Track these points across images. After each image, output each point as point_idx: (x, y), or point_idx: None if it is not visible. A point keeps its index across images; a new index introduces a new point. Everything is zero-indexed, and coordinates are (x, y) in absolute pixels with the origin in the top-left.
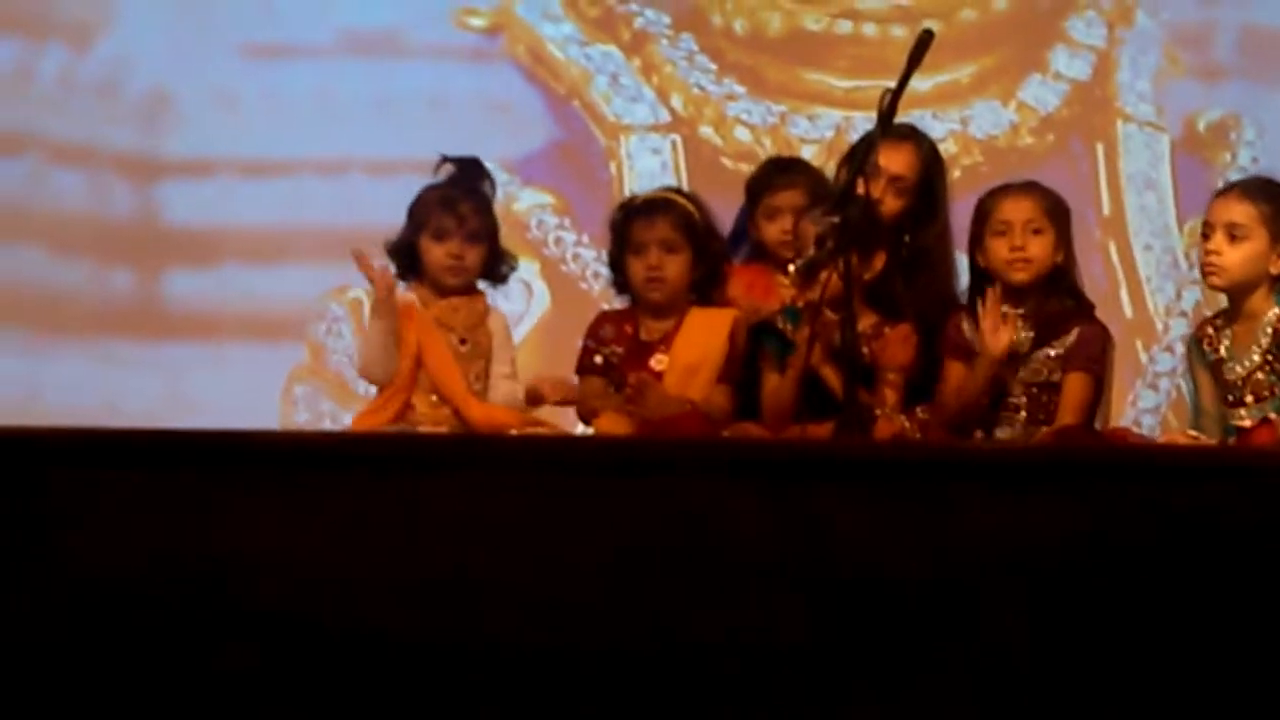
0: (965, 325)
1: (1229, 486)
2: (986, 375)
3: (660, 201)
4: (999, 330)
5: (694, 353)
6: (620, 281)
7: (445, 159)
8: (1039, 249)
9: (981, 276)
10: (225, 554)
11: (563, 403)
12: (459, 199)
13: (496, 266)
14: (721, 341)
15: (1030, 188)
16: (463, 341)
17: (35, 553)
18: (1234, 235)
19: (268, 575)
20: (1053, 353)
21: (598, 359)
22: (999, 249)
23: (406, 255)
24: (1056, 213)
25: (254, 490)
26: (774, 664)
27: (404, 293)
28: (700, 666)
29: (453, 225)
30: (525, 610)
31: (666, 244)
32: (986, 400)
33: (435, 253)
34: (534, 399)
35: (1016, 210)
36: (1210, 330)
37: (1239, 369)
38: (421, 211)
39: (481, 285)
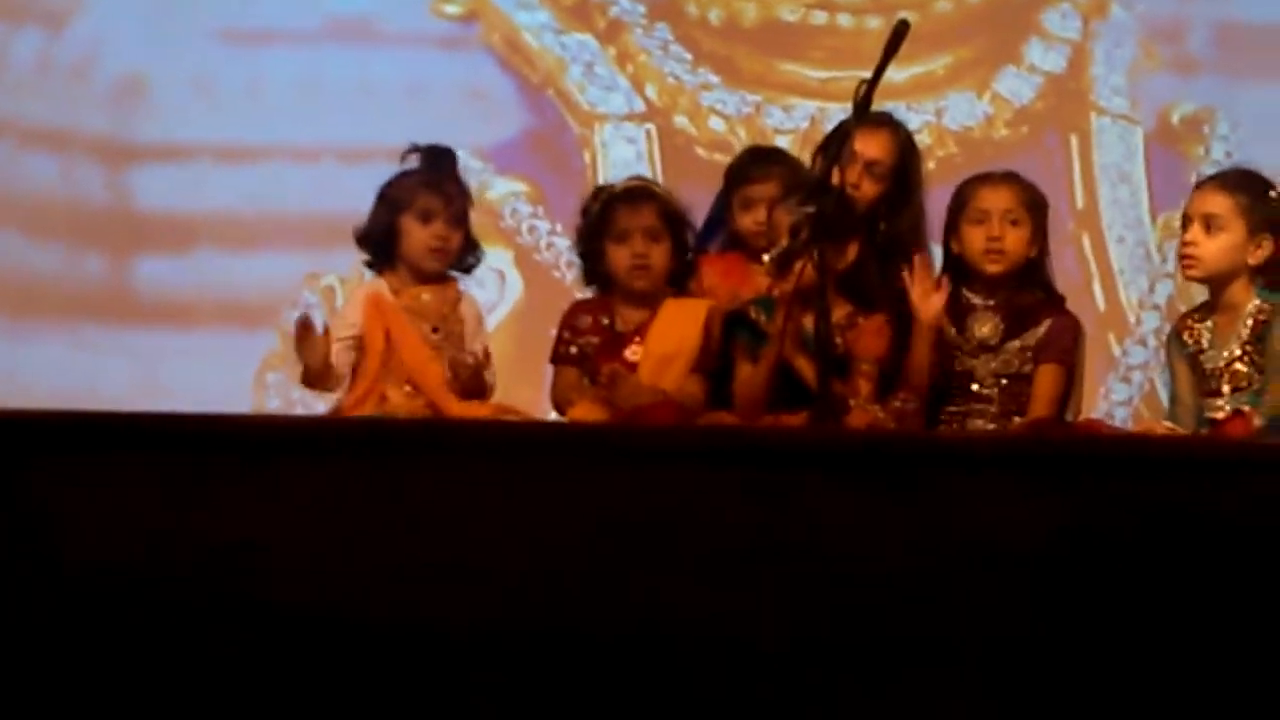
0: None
1: (1204, 477)
2: (927, 342)
3: (643, 190)
4: (929, 296)
5: (669, 343)
6: (592, 271)
7: (415, 147)
8: (1015, 240)
9: (955, 264)
10: (205, 538)
11: None
12: (444, 180)
13: (466, 255)
14: (697, 331)
15: (1010, 178)
16: (435, 330)
17: (12, 538)
18: (1211, 226)
19: (248, 560)
20: (1024, 344)
21: (572, 349)
22: (975, 238)
23: (382, 240)
24: (1034, 205)
25: (234, 474)
26: (749, 652)
27: (371, 281)
28: (675, 654)
29: (439, 206)
30: (504, 596)
31: (651, 232)
32: (938, 370)
33: (419, 235)
34: None
35: (995, 199)
36: (1191, 322)
37: (1219, 359)
38: (403, 194)
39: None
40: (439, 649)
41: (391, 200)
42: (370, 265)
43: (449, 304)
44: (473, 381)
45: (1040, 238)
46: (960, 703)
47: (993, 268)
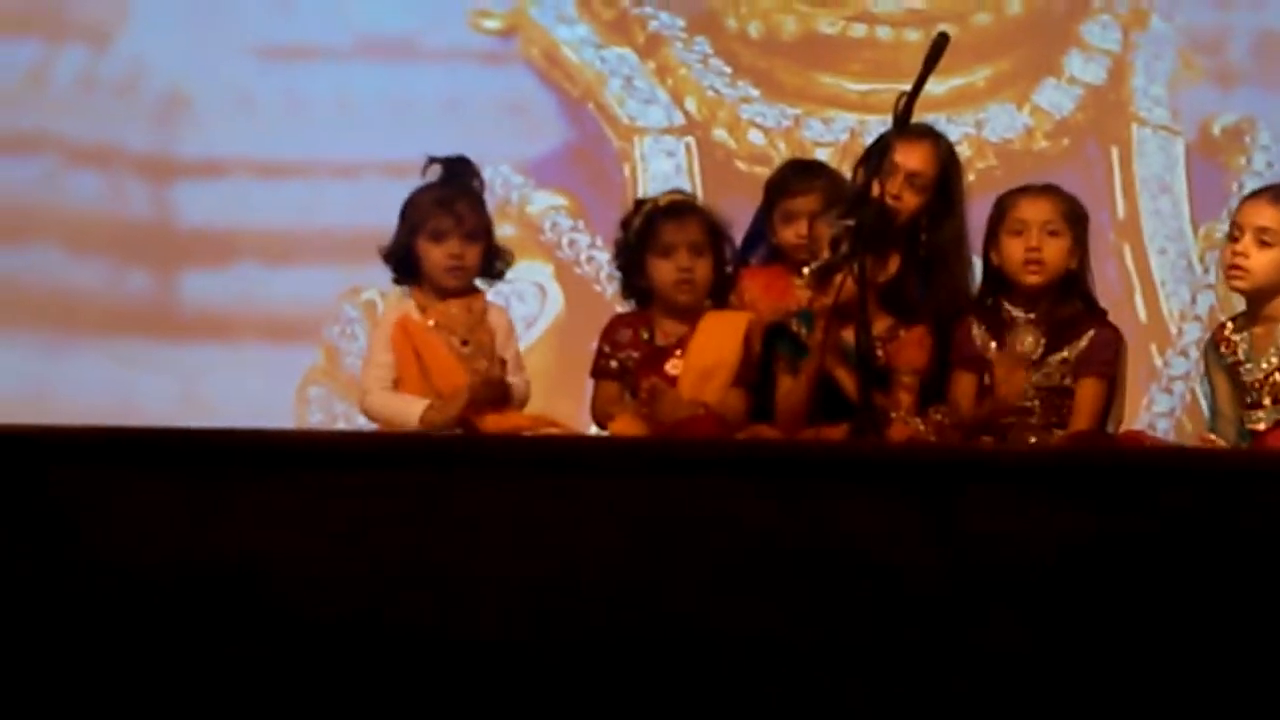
0: (975, 332)
1: (1243, 490)
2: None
3: (687, 204)
4: (1012, 377)
5: (709, 356)
6: (632, 284)
7: (433, 160)
8: (1054, 252)
9: (995, 276)
10: (239, 552)
11: None
12: (454, 198)
13: (493, 264)
14: (737, 345)
15: (1049, 190)
16: (464, 343)
17: (49, 551)
18: (1263, 240)
19: (281, 573)
20: (1065, 357)
21: (612, 364)
22: (1014, 249)
23: (403, 259)
24: (1074, 217)
25: (267, 489)
26: (786, 664)
27: (396, 304)
28: (711, 666)
29: (450, 225)
30: (537, 609)
31: (695, 247)
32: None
33: (434, 254)
34: None
35: (1034, 211)
36: (1227, 333)
37: (1257, 371)
38: (416, 213)
39: (480, 283)
40: (476, 661)
41: (408, 220)
42: (397, 281)
43: (476, 315)
44: (488, 392)
45: (1080, 250)
46: (993, 715)
47: (1032, 279)
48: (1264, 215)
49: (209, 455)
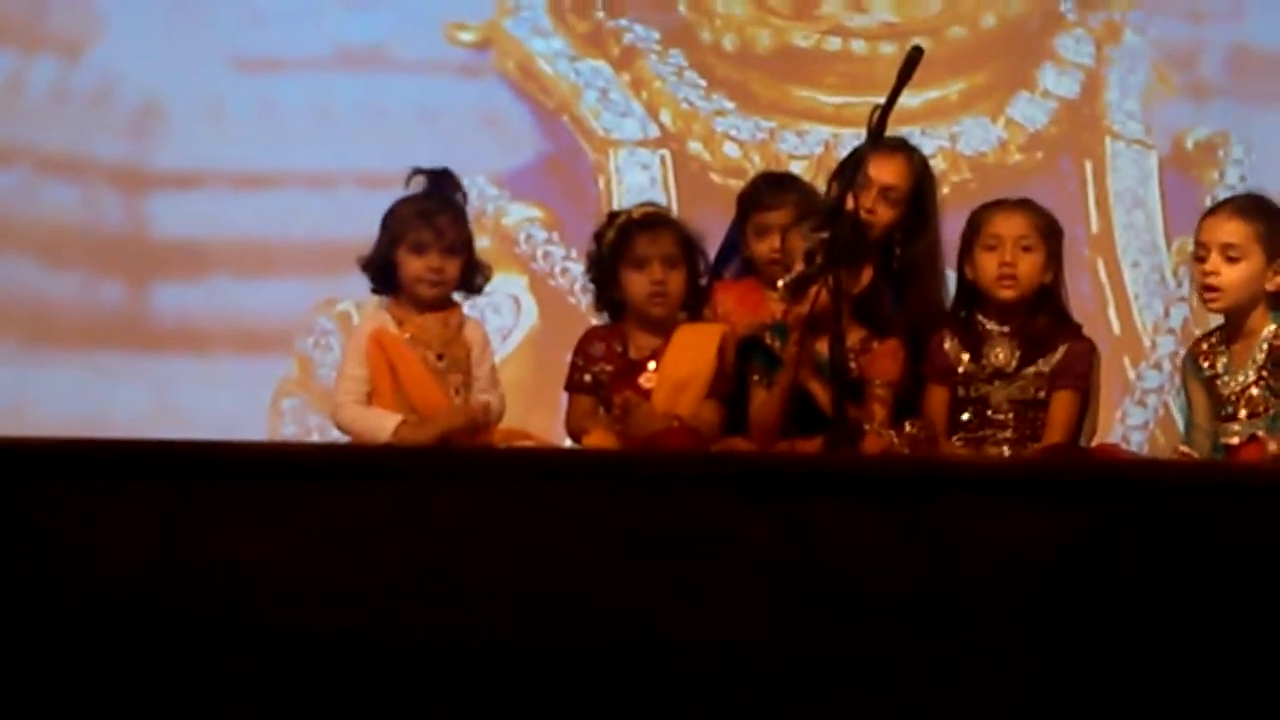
0: (949, 346)
1: (1217, 502)
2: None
3: (660, 217)
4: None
5: (683, 369)
6: (606, 297)
7: (416, 171)
8: (1028, 267)
9: (969, 290)
10: (217, 565)
11: None
12: (436, 211)
13: (473, 278)
14: (710, 357)
15: (1023, 205)
16: (440, 357)
17: (24, 564)
18: (1230, 256)
19: (260, 586)
20: (1039, 370)
21: (586, 377)
22: (988, 264)
23: (382, 270)
24: (1048, 232)
25: (246, 501)
26: (762, 676)
27: (371, 315)
28: (686, 678)
29: (430, 238)
30: (515, 620)
31: (669, 259)
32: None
33: (414, 266)
34: None
35: (1009, 226)
36: (1206, 346)
37: (1234, 384)
38: (397, 225)
39: (458, 297)
40: (454, 673)
41: (389, 231)
42: (375, 291)
43: (452, 330)
44: (466, 425)
45: (1054, 265)
46: None
47: (1006, 294)
48: (1226, 230)
49: (186, 467)
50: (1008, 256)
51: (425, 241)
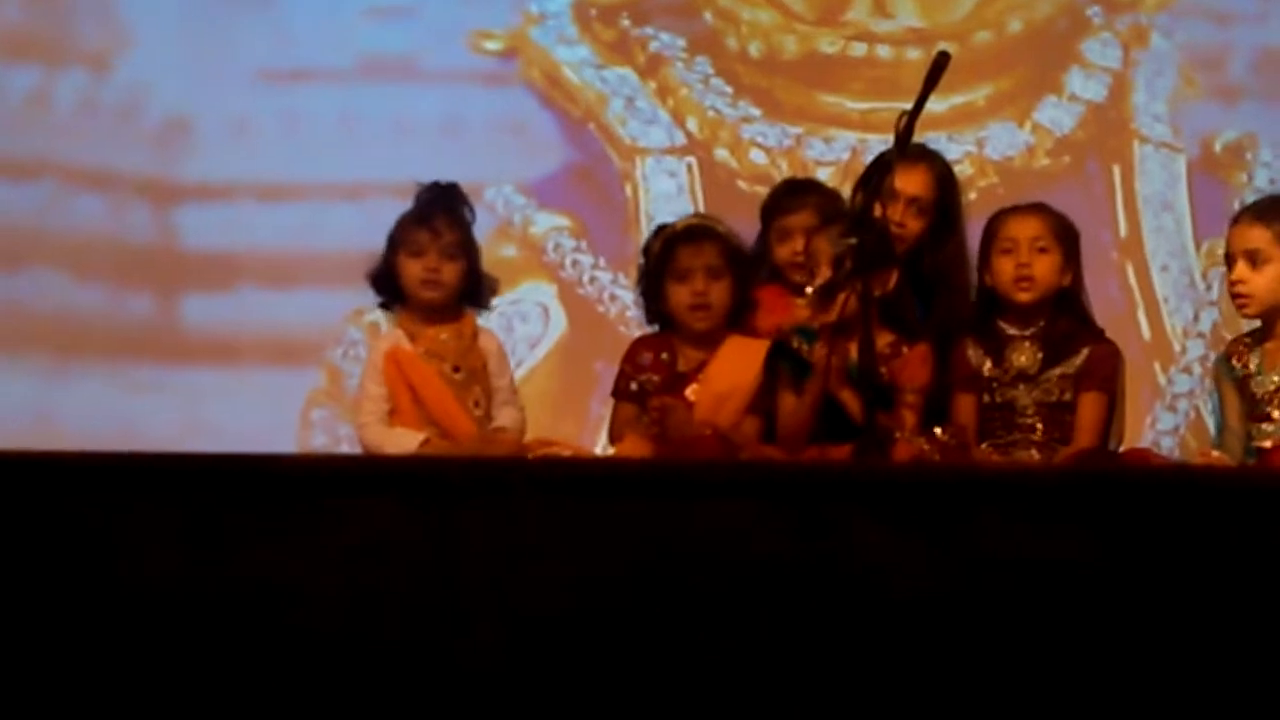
0: (970, 352)
1: (1251, 508)
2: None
3: (704, 228)
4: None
5: (724, 381)
6: (653, 310)
7: (421, 186)
8: (1044, 268)
9: (989, 297)
10: (243, 578)
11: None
12: (431, 215)
13: (478, 289)
14: (754, 372)
15: (1037, 208)
16: (456, 369)
17: (52, 578)
18: (1255, 261)
19: (287, 599)
20: (1064, 372)
21: (632, 385)
22: (1005, 267)
23: (386, 280)
24: (1063, 234)
25: (272, 514)
26: (791, 687)
27: (386, 335)
28: (715, 689)
29: (427, 240)
30: (545, 630)
31: (712, 270)
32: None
33: (412, 268)
34: None
35: (1023, 228)
36: (1241, 347)
37: (1268, 383)
38: (396, 231)
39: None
40: (479, 686)
41: (391, 240)
42: (383, 306)
43: (466, 340)
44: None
45: (1072, 266)
46: None
47: (1023, 296)
48: (1249, 236)
49: (211, 481)
50: (1023, 258)
51: (422, 243)
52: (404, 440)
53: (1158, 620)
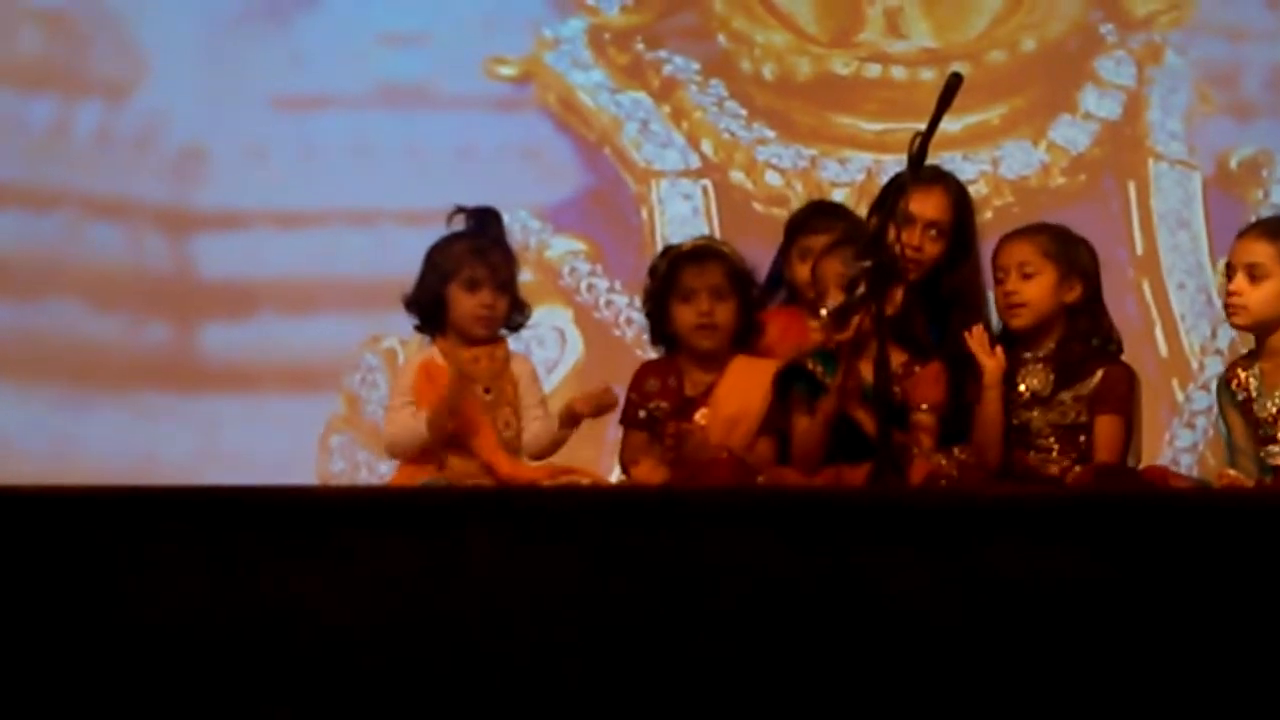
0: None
1: (1268, 527)
2: (993, 402)
3: (709, 249)
4: (989, 358)
5: (734, 404)
6: (659, 330)
7: (460, 209)
8: (1033, 292)
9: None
10: (262, 610)
11: (600, 412)
12: (489, 248)
13: (515, 315)
14: (764, 393)
15: (1028, 230)
16: (487, 390)
17: (72, 611)
18: (1254, 275)
19: (306, 630)
20: (1077, 394)
21: (640, 413)
22: (998, 295)
23: (430, 307)
24: (1057, 253)
25: (290, 546)
26: (809, 708)
27: (423, 349)
28: (739, 711)
29: (485, 275)
30: (562, 659)
31: (717, 291)
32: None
33: (467, 303)
34: (570, 420)
35: (1008, 255)
36: (1239, 371)
37: (1271, 406)
38: (449, 262)
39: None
40: (499, 714)
41: (439, 267)
42: (420, 329)
43: (499, 363)
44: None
45: (1078, 281)
46: None
47: (1015, 322)
48: (1252, 251)
49: (229, 513)
50: (1009, 286)
51: (479, 278)
52: (411, 422)
53: (1176, 641)
